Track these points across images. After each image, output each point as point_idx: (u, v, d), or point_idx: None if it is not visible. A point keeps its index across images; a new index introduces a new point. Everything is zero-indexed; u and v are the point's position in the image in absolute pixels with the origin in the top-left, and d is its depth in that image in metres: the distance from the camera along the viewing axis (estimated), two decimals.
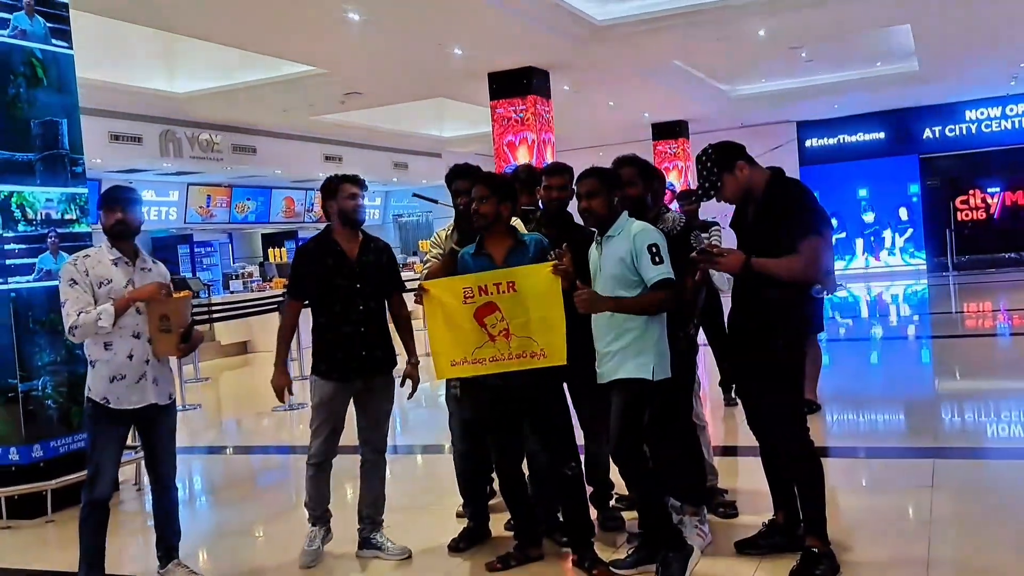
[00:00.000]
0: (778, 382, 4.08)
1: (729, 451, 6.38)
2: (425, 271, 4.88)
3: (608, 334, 4.12)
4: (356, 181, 4.75)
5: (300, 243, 22.10)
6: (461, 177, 4.82)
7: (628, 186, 4.39)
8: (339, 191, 4.69)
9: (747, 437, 6.75)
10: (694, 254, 4.17)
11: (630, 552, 4.37)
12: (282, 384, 4.72)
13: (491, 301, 4.22)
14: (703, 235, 4.58)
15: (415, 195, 8.43)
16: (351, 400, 4.76)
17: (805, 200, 4.07)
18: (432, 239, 4.99)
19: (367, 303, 4.69)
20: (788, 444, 4.12)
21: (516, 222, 4.62)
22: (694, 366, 4.70)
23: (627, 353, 4.07)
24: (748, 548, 4.35)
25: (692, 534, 4.41)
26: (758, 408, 4.25)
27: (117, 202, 4.43)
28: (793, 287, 4.03)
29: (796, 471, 4.15)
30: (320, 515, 4.86)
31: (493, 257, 4.34)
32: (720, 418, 7.36)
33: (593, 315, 4.17)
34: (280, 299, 11.11)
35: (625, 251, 4.06)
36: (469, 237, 4.62)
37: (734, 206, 4.31)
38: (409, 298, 4.88)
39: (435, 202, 9.76)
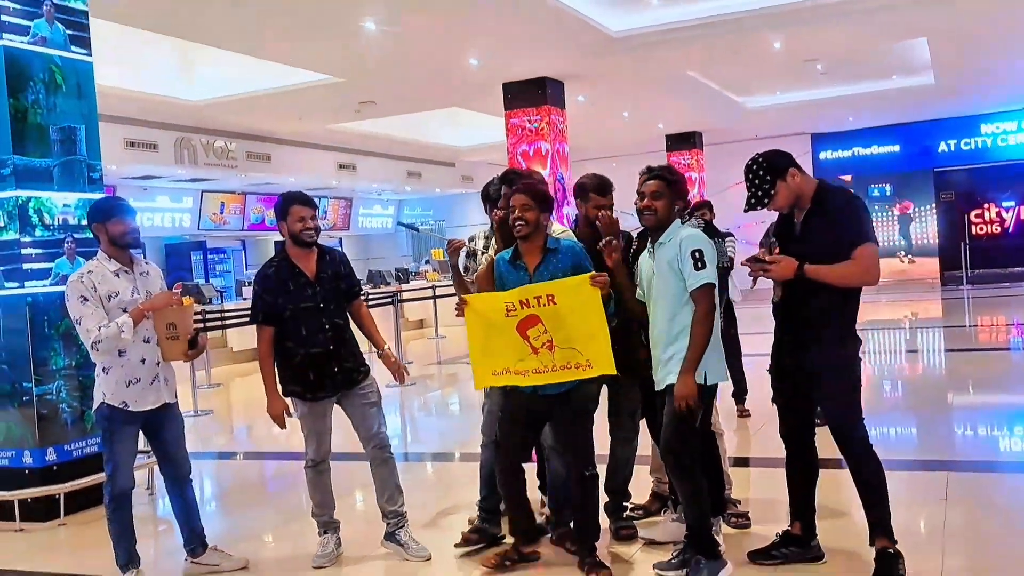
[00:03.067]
0: (838, 385, 4.07)
1: (741, 462, 6.36)
2: (472, 277, 4.87)
3: (663, 341, 4.17)
4: (306, 202, 4.74)
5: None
6: (506, 184, 4.78)
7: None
8: (289, 213, 4.69)
9: (760, 447, 6.76)
10: (744, 262, 4.18)
11: (675, 554, 4.36)
12: (279, 409, 4.67)
13: (533, 314, 4.21)
14: (727, 244, 4.59)
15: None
16: (334, 407, 4.82)
17: (857, 207, 4.06)
18: (470, 243, 5.00)
19: (332, 320, 4.71)
20: (852, 445, 4.10)
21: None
22: None
23: (678, 359, 4.10)
24: (762, 558, 4.34)
25: None
26: (803, 414, 4.24)
27: (128, 212, 4.61)
28: (842, 292, 4.03)
29: (861, 472, 4.11)
30: (328, 521, 4.89)
31: (527, 266, 4.35)
32: (733, 428, 7.33)
33: (651, 323, 4.21)
34: None
35: (672, 255, 4.12)
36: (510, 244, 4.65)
37: (776, 215, 4.31)
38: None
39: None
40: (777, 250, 4.09)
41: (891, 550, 4.04)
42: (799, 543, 4.32)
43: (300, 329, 4.60)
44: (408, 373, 4.89)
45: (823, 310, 4.03)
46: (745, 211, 4.26)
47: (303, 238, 4.68)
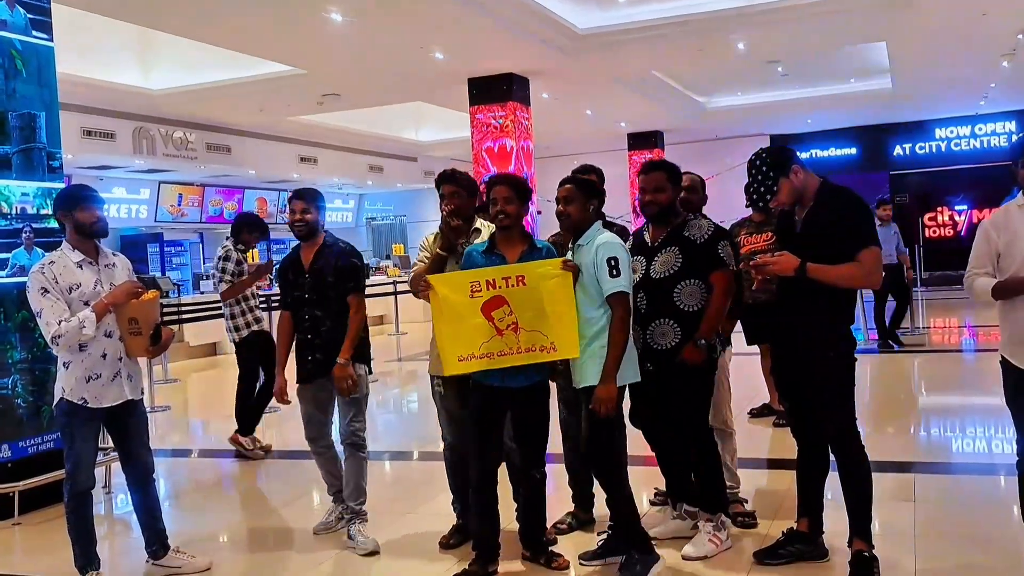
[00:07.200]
0: (832, 388, 4.07)
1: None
2: (411, 274, 4.94)
3: (581, 343, 4.17)
4: (298, 195, 5.03)
5: (272, 244, 22.00)
6: (446, 182, 4.75)
7: (658, 192, 4.43)
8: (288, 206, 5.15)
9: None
10: (744, 264, 4.14)
11: (599, 545, 4.45)
12: (279, 387, 5.08)
13: (499, 295, 4.15)
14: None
15: None
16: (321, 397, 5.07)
17: (861, 209, 4.05)
18: (421, 243, 4.99)
19: (312, 312, 4.94)
20: (843, 447, 4.12)
21: None
22: (712, 376, 4.59)
23: (594, 360, 4.13)
24: (768, 558, 4.34)
25: (704, 540, 4.47)
26: (809, 413, 4.22)
27: (96, 200, 4.48)
28: (840, 293, 4.04)
29: (852, 476, 4.13)
30: (338, 491, 5.17)
31: (506, 259, 4.30)
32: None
33: None
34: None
35: (589, 261, 4.15)
36: (450, 242, 4.58)
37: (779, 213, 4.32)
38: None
39: None
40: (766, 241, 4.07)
41: (867, 553, 4.05)
42: (805, 540, 4.33)
43: (295, 316, 5.02)
44: (353, 390, 4.84)
45: (820, 311, 4.02)
46: (747, 207, 4.24)
47: (293, 229, 5.01)
